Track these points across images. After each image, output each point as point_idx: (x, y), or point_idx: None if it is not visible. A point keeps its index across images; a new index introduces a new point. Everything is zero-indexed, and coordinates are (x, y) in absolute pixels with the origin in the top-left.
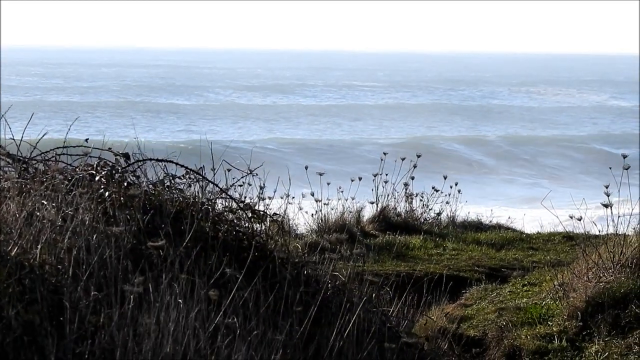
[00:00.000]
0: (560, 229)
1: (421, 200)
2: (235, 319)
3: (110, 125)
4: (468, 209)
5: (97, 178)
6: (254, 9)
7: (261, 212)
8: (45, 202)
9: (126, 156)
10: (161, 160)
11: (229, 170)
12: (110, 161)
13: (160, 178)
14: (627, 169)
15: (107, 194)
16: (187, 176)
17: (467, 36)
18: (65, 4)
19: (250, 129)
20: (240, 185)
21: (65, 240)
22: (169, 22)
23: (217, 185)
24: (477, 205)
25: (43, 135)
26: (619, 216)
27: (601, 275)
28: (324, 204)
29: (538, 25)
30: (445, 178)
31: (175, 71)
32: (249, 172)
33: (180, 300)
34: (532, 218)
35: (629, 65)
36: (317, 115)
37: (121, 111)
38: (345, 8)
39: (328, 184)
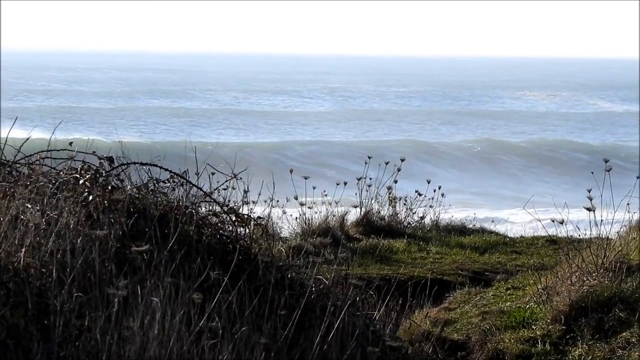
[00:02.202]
0: (543, 232)
1: (405, 204)
2: (220, 323)
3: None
4: (452, 212)
5: (81, 182)
6: (251, 12)
7: (245, 216)
8: (30, 206)
9: (110, 160)
10: (145, 164)
11: (212, 173)
12: (94, 165)
13: (145, 182)
14: (608, 171)
15: (91, 197)
16: (172, 180)
17: (462, 40)
18: (62, 6)
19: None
20: (225, 189)
21: (50, 244)
22: (170, 26)
23: (201, 189)
24: (461, 208)
25: (27, 139)
26: (602, 220)
27: (585, 279)
28: (308, 207)
29: (534, 29)
30: (429, 182)
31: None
32: (232, 176)
33: (162, 301)
34: (516, 221)
35: (623, 69)
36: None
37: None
38: (342, 11)
39: (314, 188)
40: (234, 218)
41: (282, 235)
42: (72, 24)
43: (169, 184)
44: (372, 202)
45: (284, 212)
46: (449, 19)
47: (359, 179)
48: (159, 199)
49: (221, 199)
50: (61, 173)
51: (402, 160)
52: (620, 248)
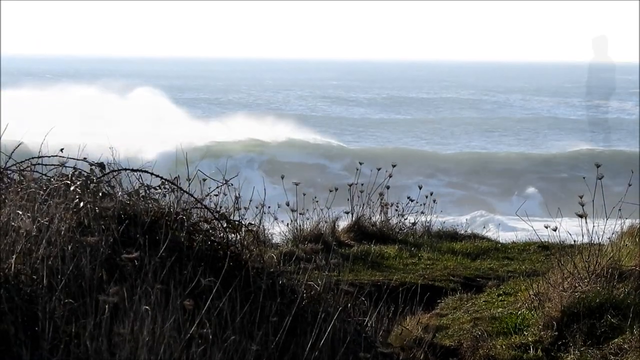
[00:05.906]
0: (535, 238)
1: (396, 210)
2: (210, 329)
3: None
4: (444, 219)
5: (72, 188)
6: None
7: (236, 222)
8: (21, 212)
9: (101, 166)
10: (136, 170)
11: (204, 180)
12: (85, 171)
13: (136, 188)
14: (600, 179)
15: (82, 204)
16: (162, 186)
17: (445, 44)
18: (67, 11)
19: None
20: (216, 195)
21: (41, 250)
22: (182, 30)
23: (192, 195)
24: (453, 214)
25: (18, 145)
26: (593, 226)
27: (576, 285)
28: (300, 213)
29: (517, 33)
30: (420, 188)
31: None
32: (224, 182)
33: (150, 309)
34: (507, 227)
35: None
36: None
37: None
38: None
39: (304, 194)
40: (225, 224)
41: (273, 241)
42: (74, 29)
43: (160, 191)
44: (364, 208)
45: (275, 218)
46: (460, 22)
47: (350, 185)
48: (150, 206)
49: (212, 205)
50: (52, 179)
51: (394, 166)
52: (612, 254)
